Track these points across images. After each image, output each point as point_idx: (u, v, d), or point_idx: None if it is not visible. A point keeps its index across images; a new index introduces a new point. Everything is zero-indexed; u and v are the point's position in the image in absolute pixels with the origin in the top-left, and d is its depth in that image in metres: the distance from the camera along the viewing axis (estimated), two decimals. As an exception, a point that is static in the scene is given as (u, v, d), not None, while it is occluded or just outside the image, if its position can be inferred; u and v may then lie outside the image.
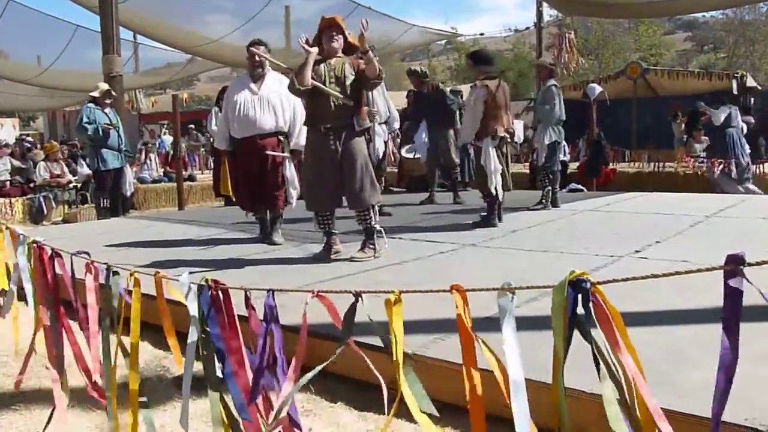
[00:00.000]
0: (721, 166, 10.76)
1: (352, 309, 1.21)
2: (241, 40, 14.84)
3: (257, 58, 5.05)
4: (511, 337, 1.03)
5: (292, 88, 4.33)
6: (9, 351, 3.14)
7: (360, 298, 1.19)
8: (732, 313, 0.80)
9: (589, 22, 31.25)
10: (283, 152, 5.11)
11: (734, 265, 0.76)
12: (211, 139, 8.26)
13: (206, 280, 1.45)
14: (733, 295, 0.77)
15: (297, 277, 3.90)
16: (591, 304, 0.93)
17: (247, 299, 1.37)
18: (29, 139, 20.36)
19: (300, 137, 4.99)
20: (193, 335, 1.53)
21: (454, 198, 7.82)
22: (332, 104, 4.29)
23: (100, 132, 7.80)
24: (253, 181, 5.13)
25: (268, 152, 5.01)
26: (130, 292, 1.84)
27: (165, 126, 19.80)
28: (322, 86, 4.26)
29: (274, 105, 5.06)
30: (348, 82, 4.32)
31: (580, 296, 0.95)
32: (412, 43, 18.89)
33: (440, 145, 7.73)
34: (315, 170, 4.40)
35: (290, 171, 5.18)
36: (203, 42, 14.69)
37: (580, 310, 1.01)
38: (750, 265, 0.77)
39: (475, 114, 5.68)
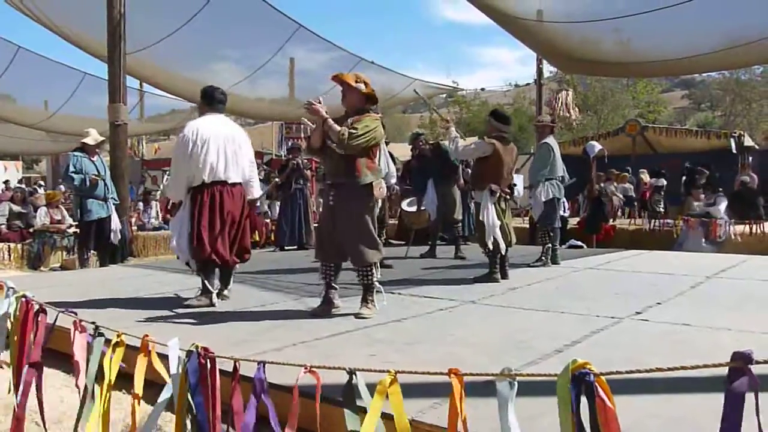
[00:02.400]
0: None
1: (349, 388, 1.17)
2: (247, 91, 15.09)
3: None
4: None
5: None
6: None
7: (354, 375, 1.15)
8: (732, 418, 0.75)
9: (588, 79, 31.80)
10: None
11: (741, 363, 0.72)
12: None
13: (196, 347, 1.41)
14: (733, 399, 0.72)
15: (292, 333, 3.82)
16: (595, 398, 0.89)
17: (235, 371, 1.31)
18: (41, 182, 20.50)
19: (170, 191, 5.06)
20: (167, 395, 1.49)
21: (456, 253, 7.82)
22: (332, 160, 4.34)
23: (87, 182, 7.68)
24: None
25: None
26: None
27: (167, 172, 19.91)
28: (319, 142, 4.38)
29: None
30: None
31: (583, 387, 0.90)
32: (415, 96, 19.16)
33: (445, 200, 7.87)
34: (322, 223, 4.62)
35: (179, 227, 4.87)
36: (209, 91, 14.86)
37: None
38: (758, 363, 0.73)
39: (465, 154, 6.21)
